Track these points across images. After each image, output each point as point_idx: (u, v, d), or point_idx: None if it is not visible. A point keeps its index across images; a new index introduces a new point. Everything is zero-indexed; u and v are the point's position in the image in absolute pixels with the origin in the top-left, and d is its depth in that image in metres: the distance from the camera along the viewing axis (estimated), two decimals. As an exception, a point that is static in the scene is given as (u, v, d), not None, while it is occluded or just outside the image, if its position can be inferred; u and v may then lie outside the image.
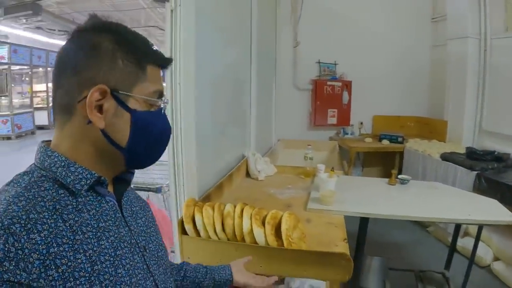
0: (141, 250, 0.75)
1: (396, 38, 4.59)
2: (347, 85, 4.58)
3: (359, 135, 4.62)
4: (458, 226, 2.51)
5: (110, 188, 0.77)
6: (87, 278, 0.60)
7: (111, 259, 0.66)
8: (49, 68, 14.20)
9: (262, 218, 1.63)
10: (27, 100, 13.88)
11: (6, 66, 11.87)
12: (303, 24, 4.44)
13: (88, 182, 0.68)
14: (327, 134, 4.65)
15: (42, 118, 14.23)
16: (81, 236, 0.63)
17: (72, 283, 0.58)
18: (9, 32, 11.61)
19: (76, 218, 0.64)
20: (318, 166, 2.52)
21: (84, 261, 0.61)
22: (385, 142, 4.35)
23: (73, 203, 0.66)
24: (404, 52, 4.62)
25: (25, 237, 0.55)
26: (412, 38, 4.63)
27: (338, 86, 4.51)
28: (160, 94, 0.75)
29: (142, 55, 0.71)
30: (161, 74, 0.78)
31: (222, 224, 1.68)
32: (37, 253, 0.56)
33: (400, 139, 4.33)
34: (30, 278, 0.54)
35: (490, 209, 2.08)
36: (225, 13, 2.51)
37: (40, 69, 14.42)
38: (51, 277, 0.56)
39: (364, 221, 2.18)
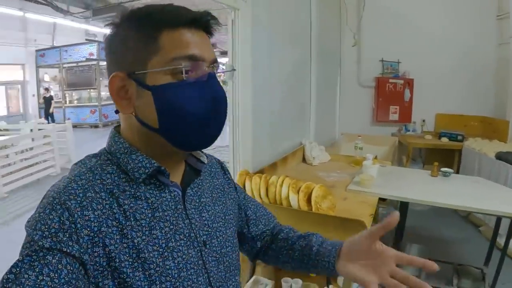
0: (200, 244, 0.72)
1: (460, 36, 4.45)
2: (409, 83, 4.57)
3: (421, 132, 4.60)
4: (498, 222, 2.52)
5: (177, 177, 0.74)
6: (131, 263, 0.61)
7: (160, 250, 0.64)
8: None
9: (298, 187, 1.91)
10: None
11: (95, 62, 13.51)
12: (367, 23, 4.53)
13: (146, 172, 0.66)
14: (390, 130, 4.70)
15: None
16: (132, 222, 0.63)
17: (116, 264, 0.59)
18: (98, 32, 12.94)
19: (132, 205, 0.64)
20: (367, 155, 2.71)
21: (130, 246, 0.61)
22: (444, 139, 4.30)
23: (132, 190, 0.66)
24: (468, 50, 4.46)
25: (79, 213, 0.58)
26: (476, 36, 4.47)
27: (400, 83, 4.54)
28: (193, 60, 0.65)
29: (153, 25, 0.64)
30: (192, 36, 0.66)
31: (267, 191, 2.00)
32: (88, 229, 0.58)
33: (460, 138, 4.25)
34: (81, 251, 0.56)
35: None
36: (282, 14, 2.79)
37: None
38: (96, 253, 0.58)
39: (402, 207, 2.33)
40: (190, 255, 0.69)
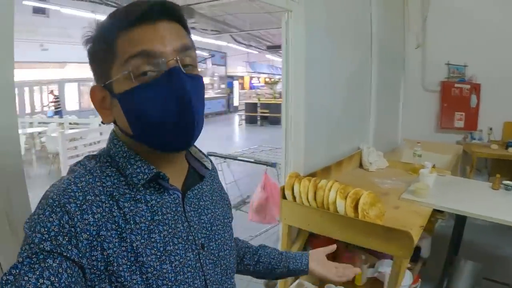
0: (198, 247, 0.72)
1: None
2: (476, 88, 4.24)
3: (487, 141, 4.27)
4: None
5: (178, 180, 0.74)
6: (129, 266, 0.60)
7: (158, 253, 0.64)
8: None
9: (346, 193, 1.90)
10: None
11: None
12: (432, 24, 4.27)
13: (145, 177, 0.66)
14: (455, 137, 4.41)
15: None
16: (132, 226, 0.63)
17: (114, 268, 0.59)
18: None
19: (132, 208, 0.64)
20: (425, 163, 2.60)
21: (129, 250, 0.61)
22: (511, 149, 3.95)
23: (132, 193, 0.66)
24: None
25: (78, 216, 0.57)
26: None
27: (466, 88, 4.24)
28: (146, 57, 0.62)
29: (108, 33, 0.64)
30: (146, 32, 0.62)
31: (315, 195, 2.01)
32: (87, 233, 0.58)
33: None
34: (80, 255, 0.56)
35: None
36: (339, 14, 2.75)
37: None
38: (94, 257, 0.58)
39: (459, 221, 2.22)
40: (188, 258, 0.69)
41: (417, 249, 2.63)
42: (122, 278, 0.60)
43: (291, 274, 1.08)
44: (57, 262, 0.53)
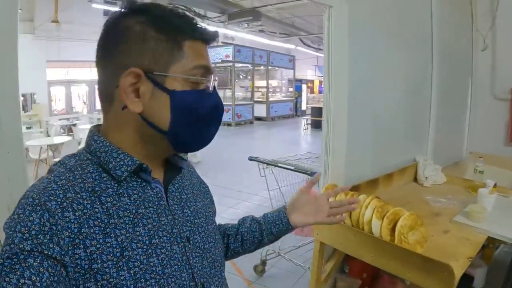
0: (183, 240, 0.72)
1: None
2: None
3: None
4: None
5: (159, 174, 0.76)
6: (115, 262, 0.60)
7: (144, 247, 0.64)
8: (270, 67, 16.52)
9: (384, 212, 1.70)
10: (249, 94, 16.43)
11: (230, 64, 14.53)
12: (502, 24, 3.76)
13: (128, 169, 0.67)
14: (529, 153, 3.90)
15: (261, 110, 16.45)
16: (116, 220, 0.63)
17: (99, 265, 0.59)
18: (234, 35, 13.64)
19: (115, 202, 0.64)
20: (487, 182, 2.28)
21: (114, 245, 0.61)
22: None
23: (114, 187, 0.66)
24: None
25: (59, 214, 0.57)
26: None
27: None
28: (205, 71, 0.70)
29: (177, 31, 0.66)
30: (205, 49, 0.71)
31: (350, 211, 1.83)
32: (69, 231, 0.57)
33: None
34: (62, 253, 0.56)
35: None
36: (392, 12, 2.52)
37: (262, 67, 16.80)
38: (77, 255, 0.57)
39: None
40: (174, 251, 0.69)
41: (469, 279, 2.32)
42: (108, 275, 0.59)
43: (279, 236, 1.04)
44: (38, 261, 0.53)
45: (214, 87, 0.73)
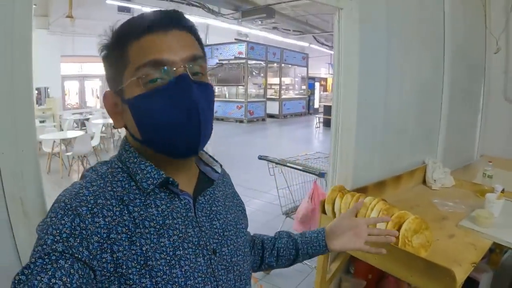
0: (209, 253, 0.72)
1: None
2: None
3: None
4: None
5: (189, 186, 0.75)
6: (138, 269, 0.61)
7: (168, 257, 0.65)
8: (283, 64, 16.49)
9: (389, 215, 1.71)
10: (261, 91, 16.29)
11: (243, 60, 14.45)
12: None
13: (154, 182, 0.67)
14: (542, 157, 3.85)
15: (273, 107, 16.45)
16: (141, 230, 0.64)
17: (124, 270, 0.60)
18: (248, 32, 13.63)
19: (142, 212, 0.65)
20: (495, 186, 2.27)
21: (138, 253, 0.62)
22: None
23: (142, 198, 0.67)
24: None
25: (89, 219, 0.59)
26: None
27: None
28: (155, 65, 0.64)
29: (122, 40, 0.66)
30: (157, 40, 0.64)
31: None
32: (98, 235, 0.59)
33: None
34: (90, 257, 0.57)
35: None
36: (403, 13, 2.51)
37: (275, 64, 16.73)
38: (104, 259, 0.59)
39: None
40: (199, 263, 0.69)
41: (475, 284, 2.31)
42: (131, 281, 0.60)
43: (314, 256, 1.06)
44: (69, 263, 0.54)
45: (181, 79, 0.64)
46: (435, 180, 2.78)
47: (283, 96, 17.25)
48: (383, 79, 2.40)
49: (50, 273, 0.51)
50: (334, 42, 2.07)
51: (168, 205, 0.69)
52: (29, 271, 0.52)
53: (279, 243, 1.04)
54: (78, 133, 7.25)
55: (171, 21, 0.66)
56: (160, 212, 0.67)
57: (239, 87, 15.08)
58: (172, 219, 0.68)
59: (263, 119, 15.62)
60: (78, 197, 0.61)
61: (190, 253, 0.68)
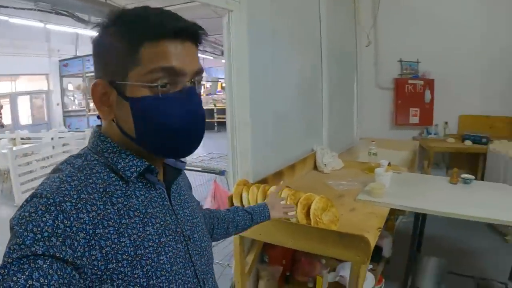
0: (186, 239, 0.74)
1: (482, 31, 4.08)
2: (429, 84, 4.27)
3: (444, 135, 4.29)
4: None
5: (160, 175, 0.76)
6: (129, 261, 0.61)
7: (155, 245, 0.66)
8: None
9: (297, 199, 1.74)
10: None
11: None
12: (383, 21, 4.25)
13: (138, 170, 0.67)
14: (411, 133, 4.41)
15: None
16: (127, 220, 0.63)
17: (114, 265, 0.59)
18: None
19: (125, 203, 0.65)
20: (381, 162, 2.50)
21: (128, 244, 0.61)
22: (468, 142, 3.95)
23: (123, 188, 0.66)
24: (502, 50, 4.05)
25: (74, 215, 0.56)
26: (501, 30, 4.04)
27: (420, 84, 4.25)
28: (168, 73, 0.64)
29: (136, 35, 0.64)
30: (174, 48, 0.64)
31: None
32: (84, 232, 0.57)
33: (484, 140, 3.88)
34: (75, 255, 0.55)
35: None
36: (285, 15, 2.63)
37: None
38: (93, 256, 0.57)
39: (418, 218, 2.12)
40: (179, 249, 0.71)
41: (379, 249, 2.52)
42: (123, 274, 0.60)
43: (258, 224, 1.27)
44: (48, 263, 0.51)
45: (189, 91, 0.67)
46: (325, 164, 2.94)
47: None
48: (272, 78, 2.46)
49: (27, 274, 0.49)
50: (224, 44, 2.05)
51: (147, 195, 0.69)
52: (5, 271, 0.50)
53: (236, 214, 1.21)
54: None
55: (192, 33, 0.67)
56: (141, 202, 0.68)
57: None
58: (152, 208, 0.69)
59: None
60: (61, 191, 0.58)
61: (171, 240, 0.70)
